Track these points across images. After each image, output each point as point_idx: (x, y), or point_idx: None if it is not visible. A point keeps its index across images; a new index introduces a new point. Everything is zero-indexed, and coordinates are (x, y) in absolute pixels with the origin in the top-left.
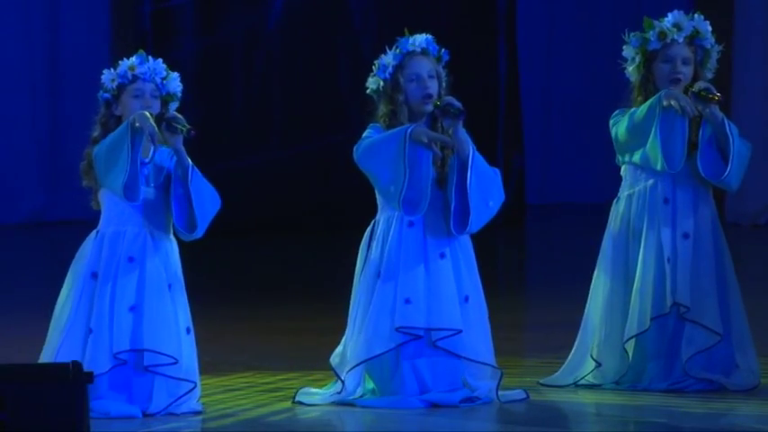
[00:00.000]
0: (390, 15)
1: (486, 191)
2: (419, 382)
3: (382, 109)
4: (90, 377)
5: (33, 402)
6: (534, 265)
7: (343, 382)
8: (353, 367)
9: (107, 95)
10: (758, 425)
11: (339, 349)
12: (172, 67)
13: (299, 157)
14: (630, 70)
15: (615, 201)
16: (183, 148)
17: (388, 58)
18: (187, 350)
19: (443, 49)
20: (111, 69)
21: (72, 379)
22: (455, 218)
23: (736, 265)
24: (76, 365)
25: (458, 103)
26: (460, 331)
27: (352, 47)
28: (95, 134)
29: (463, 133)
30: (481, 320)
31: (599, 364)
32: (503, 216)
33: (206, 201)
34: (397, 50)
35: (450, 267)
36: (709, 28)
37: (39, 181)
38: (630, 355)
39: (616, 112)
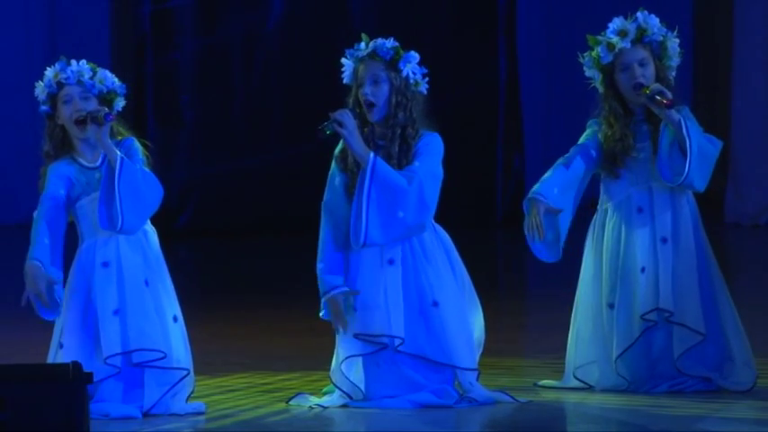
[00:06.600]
0: (390, 16)
1: (393, 201)
2: (413, 382)
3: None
4: (90, 377)
5: (33, 402)
6: (534, 266)
7: (340, 389)
8: (339, 365)
9: (45, 108)
10: (758, 427)
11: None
12: (171, 68)
13: (298, 157)
14: (598, 86)
15: (592, 222)
16: (109, 142)
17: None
18: (176, 339)
19: (407, 53)
20: (40, 82)
21: (72, 379)
22: (354, 228)
23: (737, 265)
24: (76, 365)
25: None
26: (402, 340)
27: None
28: (46, 148)
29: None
30: (456, 324)
31: (589, 386)
32: (502, 216)
33: (140, 193)
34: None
35: (400, 274)
36: (656, 20)
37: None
38: (625, 370)
39: (590, 122)
